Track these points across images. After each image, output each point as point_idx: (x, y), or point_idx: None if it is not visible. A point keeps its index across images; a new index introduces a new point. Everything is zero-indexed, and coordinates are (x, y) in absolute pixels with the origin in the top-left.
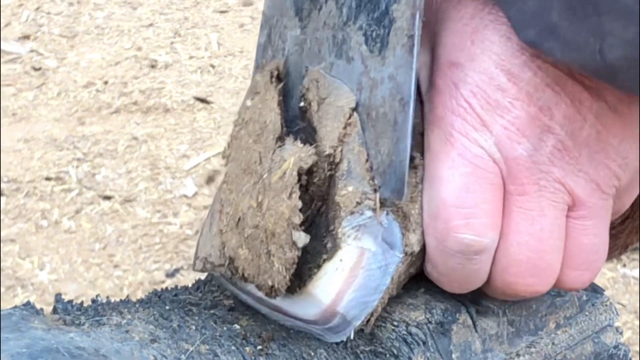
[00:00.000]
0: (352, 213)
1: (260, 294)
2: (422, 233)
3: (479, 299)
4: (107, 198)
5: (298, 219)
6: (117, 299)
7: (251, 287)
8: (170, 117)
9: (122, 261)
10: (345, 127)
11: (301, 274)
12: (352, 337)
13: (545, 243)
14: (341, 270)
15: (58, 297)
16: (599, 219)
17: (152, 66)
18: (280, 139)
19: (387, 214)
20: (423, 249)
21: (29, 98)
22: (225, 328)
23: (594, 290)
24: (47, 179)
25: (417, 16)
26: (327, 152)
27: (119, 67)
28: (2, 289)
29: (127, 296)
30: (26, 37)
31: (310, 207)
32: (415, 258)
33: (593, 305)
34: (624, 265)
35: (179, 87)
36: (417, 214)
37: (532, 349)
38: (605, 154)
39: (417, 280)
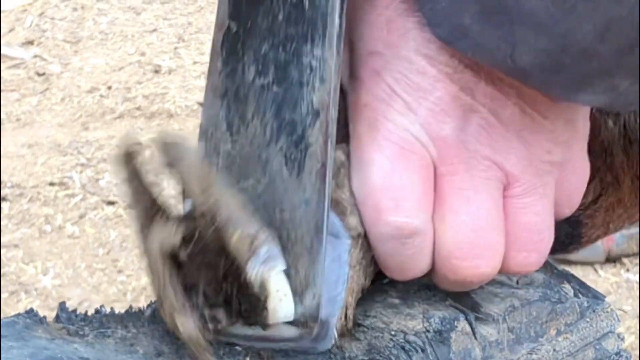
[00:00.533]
0: (249, 258)
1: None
2: (360, 214)
3: (479, 307)
4: (111, 203)
5: (182, 306)
6: (122, 311)
7: (237, 330)
8: (174, 122)
9: (125, 266)
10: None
11: (254, 320)
12: (336, 336)
13: (484, 221)
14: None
15: (62, 306)
16: (538, 196)
17: (156, 71)
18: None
19: None
20: None
21: (32, 103)
22: (227, 348)
23: (595, 296)
24: (51, 184)
25: (329, 142)
26: (201, 210)
27: (123, 73)
28: (5, 294)
29: (130, 306)
30: (30, 42)
31: (218, 266)
32: (366, 240)
33: (594, 311)
34: (627, 270)
35: (182, 92)
36: (348, 197)
37: (533, 356)
38: (531, 130)
39: (415, 291)
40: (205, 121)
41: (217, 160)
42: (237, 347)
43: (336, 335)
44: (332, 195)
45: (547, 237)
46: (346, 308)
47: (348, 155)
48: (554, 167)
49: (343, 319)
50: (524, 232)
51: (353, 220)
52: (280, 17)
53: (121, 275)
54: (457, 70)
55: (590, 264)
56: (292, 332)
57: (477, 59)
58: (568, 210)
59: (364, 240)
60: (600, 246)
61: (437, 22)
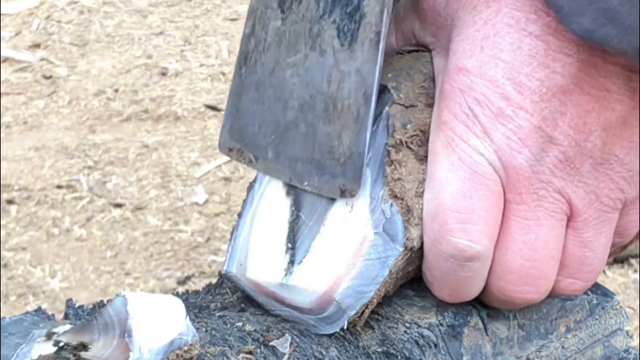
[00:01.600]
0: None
1: (259, 279)
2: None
3: None
4: (118, 206)
5: None
6: None
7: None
8: (181, 125)
9: (133, 269)
10: None
11: (295, 248)
12: (344, 326)
13: (540, 252)
14: (340, 256)
15: (69, 303)
16: (597, 232)
17: (163, 74)
18: None
19: (391, 205)
20: (422, 246)
21: (39, 106)
22: (235, 329)
23: (604, 294)
24: (58, 187)
25: (385, 12)
26: None
27: (130, 75)
28: (13, 297)
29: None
30: (37, 45)
31: None
32: (415, 255)
33: (603, 309)
34: (635, 271)
35: (189, 94)
36: (421, 210)
37: (543, 353)
38: (609, 166)
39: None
40: (255, 1)
41: (265, 37)
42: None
43: (345, 326)
44: (408, 202)
45: (597, 269)
46: (367, 306)
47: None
48: (621, 204)
49: (359, 315)
50: (575, 264)
51: (415, 232)
52: None
53: (129, 277)
54: (544, 98)
55: None
56: (305, 300)
57: (624, 45)
58: (621, 241)
59: (413, 254)
60: None
61: (581, 10)
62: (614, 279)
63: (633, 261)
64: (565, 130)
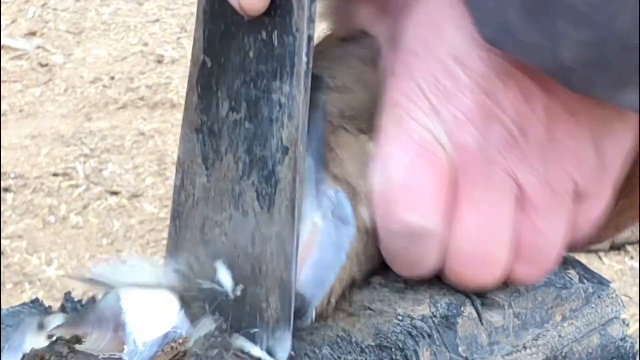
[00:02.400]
0: None
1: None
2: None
3: (484, 292)
4: (115, 193)
5: None
6: None
7: None
8: (177, 112)
9: (129, 256)
10: None
11: None
12: (313, 318)
13: (491, 235)
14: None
15: (67, 296)
16: (549, 219)
17: (159, 61)
18: None
19: (337, 191)
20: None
21: (35, 94)
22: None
23: (600, 282)
24: (55, 174)
25: (297, 179)
26: None
27: (126, 63)
28: (10, 285)
29: None
30: (32, 33)
31: None
32: (369, 236)
33: (599, 297)
34: (632, 258)
35: (185, 82)
36: (367, 188)
37: (539, 342)
38: (556, 152)
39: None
40: (182, 154)
41: (194, 192)
42: None
43: (314, 317)
44: (352, 183)
45: (552, 257)
46: (330, 294)
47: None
48: (574, 194)
49: (325, 303)
50: (528, 250)
51: (364, 212)
52: (252, 54)
53: None
54: (487, 79)
55: (595, 251)
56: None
57: (521, 57)
58: (575, 237)
59: (368, 236)
60: None
61: (484, 21)
62: (611, 265)
63: (630, 248)
64: (509, 111)
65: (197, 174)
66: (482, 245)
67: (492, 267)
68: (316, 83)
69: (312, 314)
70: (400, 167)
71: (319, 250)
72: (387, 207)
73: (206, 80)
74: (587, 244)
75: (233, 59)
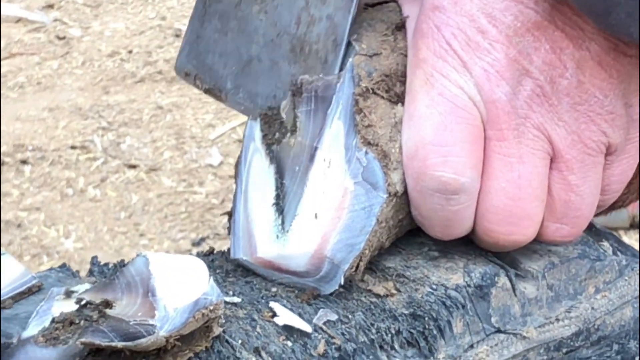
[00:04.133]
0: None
1: (257, 254)
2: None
3: (518, 263)
4: (133, 167)
5: None
6: None
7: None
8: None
9: (147, 230)
10: None
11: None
12: (342, 282)
13: (524, 191)
14: (324, 212)
15: (94, 260)
16: (582, 176)
17: (177, 35)
18: None
19: (366, 153)
20: (407, 192)
21: (53, 67)
22: (261, 295)
23: (634, 255)
24: (72, 147)
25: None
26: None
27: (144, 37)
28: (27, 257)
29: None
30: (50, 6)
31: None
32: (401, 201)
33: (632, 270)
34: None
35: None
36: (398, 153)
37: (571, 314)
38: (588, 106)
39: (454, 244)
40: None
41: None
42: (273, 289)
43: (342, 282)
44: (383, 147)
45: (586, 214)
46: (360, 259)
47: (402, 109)
48: (605, 150)
49: (354, 268)
50: (561, 207)
51: (395, 177)
52: None
53: (143, 239)
54: (518, 32)
55: (615, 229)
56: (300, 263)
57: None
58: (605, 199)
59: (399, 200)
60: (625, 211)
61: None
62: (631, 243)
63: None
64: (540, 65)
65: None
66: (516, 201)
67: (526, 224)
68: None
69: (341, 278)
70: (432, 125)
71: (349, 214)
72: (420, 165)
73: None
74: (611, 207)
75: None
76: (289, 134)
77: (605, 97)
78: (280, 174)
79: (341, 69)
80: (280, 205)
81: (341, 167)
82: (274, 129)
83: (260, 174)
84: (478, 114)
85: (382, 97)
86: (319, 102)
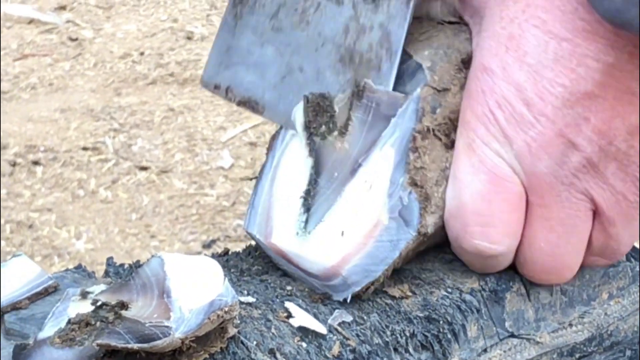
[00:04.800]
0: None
1: (273, 240)
2: (440, 217)
3: None
4: (144, 169)
5: None
6: None
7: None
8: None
9: (158, 231)
10: None
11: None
12: (348, 300)
13: (562, 248)
14: (352, 234)
15: (110, 261)
16: (623, 227)
17: (189, 38)
18: None
19: (410, 193)
20: (437, 231)
21: (65, 68)
22: (276, 294)
23: None
24: (84, 148)
25: None
26: None
27: (155, 39)
28: (39, 258)
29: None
30: (62, 7)
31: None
32: (427, 239)
33: None
34: None
35: None
36: (439, 198)
37: (585, 319)
38: (634, 167)
39: None
40: None
41: None
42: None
43: (348, 299)
44: (427, 190)
45: (623, 252)
46: (373, 283)
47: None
48: None
49: (364, 290)
50: (599, 250)
51: (430, 220)
52: None
53: (154, 240)
54: (567, 104)
55: None
56: (312, 267)
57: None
58: None
59: (425, 239)
60: None
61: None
62: None
63: None
64: (589, 136)
65: None
66: (554, 257)
67: (564, 273)
68: (414, 71)
69: (348, 296)
70: (472, 193)
71: (375, 244)
72: (460, 229)
73: None
74: None
75: None
76: (336, 133)
77: None
78: (316, 170)
79: (397, 80)
80: (308, 202)
81: (381, 198)
82: (322, 120)
83: (296, 160)
84: (519, 181)
85: (440, 140)
86: (377, 118)
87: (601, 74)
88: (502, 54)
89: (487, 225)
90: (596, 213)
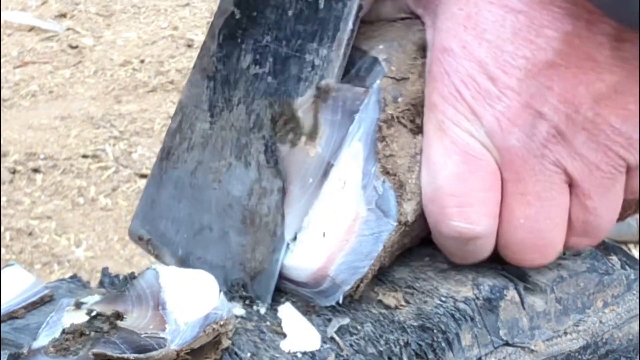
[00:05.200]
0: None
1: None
2: (418, 203)
3: (527, 276)
4: (143, 176)
5: None
6: None
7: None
8: None
9: None
10: None
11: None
12: (340, 301)
13: (542, 223)
14: (333, 232)
15: (105, 271)
16: (600, 199)
17: (189, 45)
18: None
19: (384, 182)
20: (418, 219)
21: (65, 76)
22: (270, 305)
23: None
24: (84, 156)
25: None
26: None
27: (156, 47)
28: (39, 265)
29: None
30: (63, 15)
31: None
32: (409, 228)
33: None
34: None
35: None
36: (414, 184)
37: (579, 327)
38: (605, 136)
39: None
40: (186, 98)
41: (191, 136)
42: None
43: (341, 300)
44: (400, 177)
45: (606, 228)
46: (361, 281)
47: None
48: (624, 170)
49: (354, 289)
50: (581, 227)
51: (408, 207)
52: (290, 12)
53: None
54: (530, 75)
55: (624, 243)
56: (300, 275)
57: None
58: (634, 198)
59: (407, 228)
60: (634, 224)
61: None
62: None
63: None
64: (555, 105)
65: (200, 119)
66: (535, 234)
67: (547, 251)
68: (370, 65)
69: (340, 297)
70: (447, 174)
71: (357, 239)
72: (438, 213)
73: (231, 31)
74: (623, 215)
75: (268, 15)
76: (304, 138)
77: (622, 125)
78: (286, 178)
79: (356, 76)
80: (281, 211)
81: (356, 191)
82: (286, 127)
83: None
84: (492, 159)
85: (405, 127)
86: (345, 116)
87: (560, 43)
88: (461, 34)
89: (464, 206)
90: (572, 187)
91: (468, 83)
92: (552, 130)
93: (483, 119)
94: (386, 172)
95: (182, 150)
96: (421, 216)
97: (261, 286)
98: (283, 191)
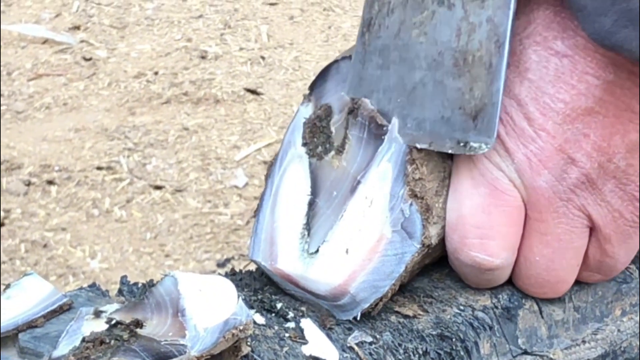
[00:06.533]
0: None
1: (277, 264)
2: (443, 227)
3: None
4: (158, 188)
5: None
6: None
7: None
8: (220, 108)
9: (173, 251)
10: None
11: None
12: (358, 317)
13: (557, 263)
14: (356, 250)
15: (124, 279)
16: (619, 245)
17: (203, 57)
18: None
19: (411, 205)
20: (440, 242)
21: (79, 88)
22: (291, 314)
23: None
24: (98, 168)
25: None
26: None
27: (169, 58)
28: (53, 277)
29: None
30: (77, 27)
31: None
32: (432, 250)
33: None
34: None
35: (229, 78)
36: (440, 208)
37: (598, 336)
38: (633, 186)
39: None
40: None
41: (390, 0)
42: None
43: (358, 317)
44: (428, 201)
45: (619, 269)
46: (381, 299)
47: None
48: None
49: (373, 307)
50: (596, 266)
51: (433, 230)
52: None
53: (168, 259)
54: (567, 120)
55: None
56: (320, 288)
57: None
58: None
59: (430, 250)
60: None
61: (603, 11)
62: None
63: None
64: (588, 152)
65: None
66: (549, 272)
67: (559, 287)
68: None
69: (358, 314)
70: (472, 205)
71: (380, 259)
72: (458, 241)
73: None
74: None
75: None
76: (333, 152)
77: None
78: (314, 191)
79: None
80: (308, 223)
81: (383, 212)
82: (318, 141)
83: (295, 183)
84: (519, 195)
85: (436, 151)
86: (372, 135)
87: (601, 91)
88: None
89: (485, 238)
90: (593, 230)
91: (504, 119)
92: (583, 177)
93: (514, 156)
94: (414, 195)
95: (382, 16)
96: (444, 239)
97: (484, 123)
98: (494, 20)
